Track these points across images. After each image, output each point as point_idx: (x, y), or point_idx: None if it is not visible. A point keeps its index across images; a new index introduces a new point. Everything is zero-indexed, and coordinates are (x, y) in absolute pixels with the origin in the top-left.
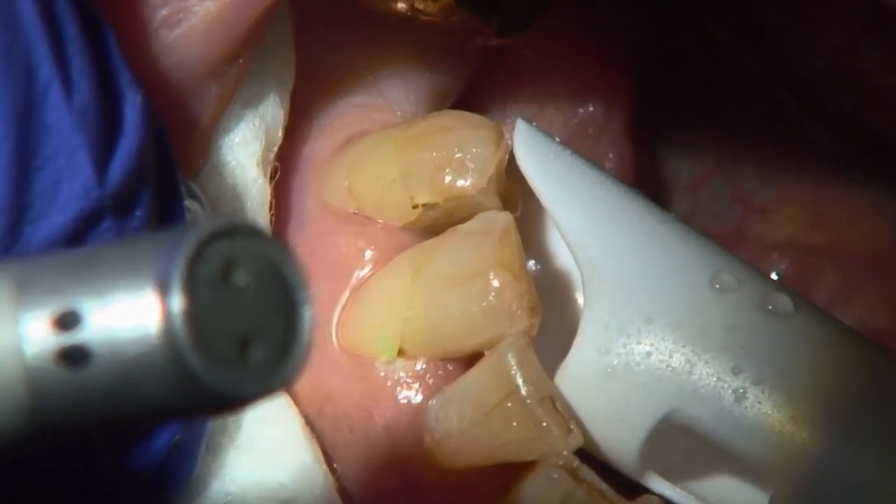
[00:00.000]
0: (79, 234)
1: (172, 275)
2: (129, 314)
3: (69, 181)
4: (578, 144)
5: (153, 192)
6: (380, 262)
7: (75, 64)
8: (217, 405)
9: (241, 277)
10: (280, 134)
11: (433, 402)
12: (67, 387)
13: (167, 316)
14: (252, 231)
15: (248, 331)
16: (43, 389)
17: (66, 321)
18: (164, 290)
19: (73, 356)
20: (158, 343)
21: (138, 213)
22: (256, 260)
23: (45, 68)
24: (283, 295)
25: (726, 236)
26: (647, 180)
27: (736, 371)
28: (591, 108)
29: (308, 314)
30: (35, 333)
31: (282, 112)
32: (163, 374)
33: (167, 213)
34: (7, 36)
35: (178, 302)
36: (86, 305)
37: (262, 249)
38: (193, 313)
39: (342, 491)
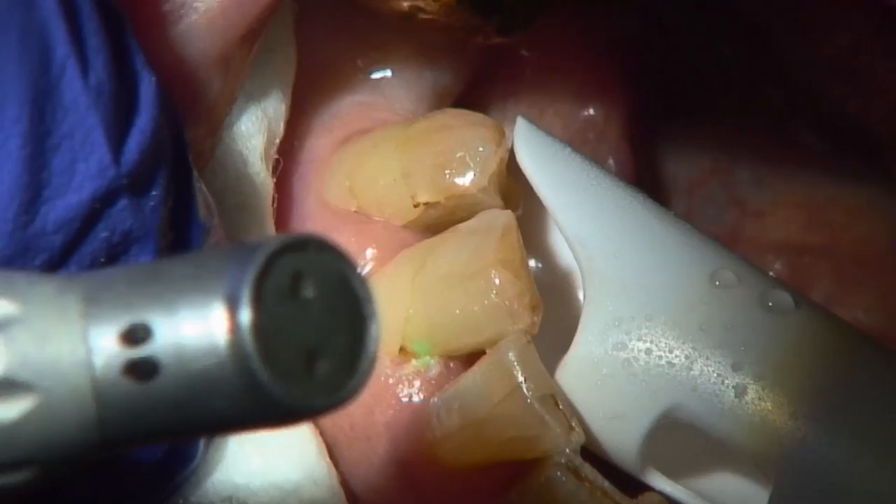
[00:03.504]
0: (95, 214)
1: (241, 289)
2: (198, 328)
3: (85, 160)
4: (579, 149)
5: (168, 172)
6: (381, 261)
7: (91, 43)
8: (283, 417)
9: (309, 291)
10: (281, 128)
11: (434, 400)
12: (135, 399)
13: (236, 329)
14: (319, 245)
15: (315, 344)
16: (111, 402)
17: (135, 335)
18: (233, 303)
19: (142, 369)
20: (227, 356)
21: (154, 192)
22: (323, 274)
23: (62, 47)
24: (349, 308)
25: (722, 239)
26: (645, 184)
27: (736, 367)
28: (591, 112)
29: (374, 328)
30: (104, 347)
31: (283, 106)
32: (231, 387)
33: (182, 195)
34: (23, 15)
35: (246, 315)
36: (155, 319)
37: (329, 263)
38: (262, 327)
39: (345, 489)
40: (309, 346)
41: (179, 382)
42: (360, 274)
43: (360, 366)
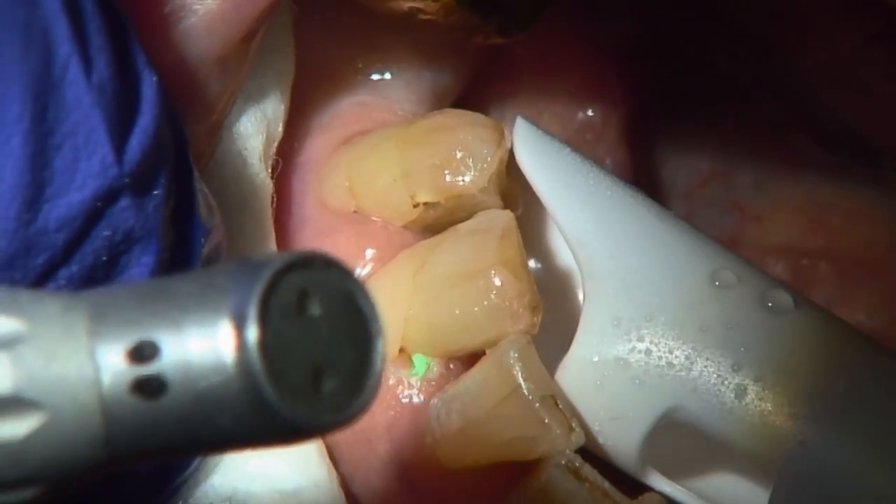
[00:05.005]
0: (97, 213)
1: (248, 306)
2: (205, 345)
3: (87, 159)
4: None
5: (170, 171)
6: (380, 262)
7: (94, 42)
8: (289, 435)
9: (315, 308)
10: (280, 128)
11: (435, 401)
12: (142, 417)
13: (242, 347)
14: (325, 262)
15: (321, 361)
16: (118, 419)
17: (142, 352)
18: (239, 321)
19: (149, 387)
20: (233, 374)
21: (156, 192)
22: (329, 290)
23: (65, 46)
24: (355, 325)
25: (723, 242)
26: (643, 187)
27: (736, 368)
28: (589, 113)
29: (380, 345)
30: (111, 364)
31: (282, 106)
32: (237, 405)
33: (183, 195)
34: (26, 13)
35: (253, 333)
36: (162, 337)
37: (334, 280)
38: (268, 344)
39: (345, 491)
40: (315, 363)
41: (186, 400)
42: (366, 291)
43: (366, 383)
